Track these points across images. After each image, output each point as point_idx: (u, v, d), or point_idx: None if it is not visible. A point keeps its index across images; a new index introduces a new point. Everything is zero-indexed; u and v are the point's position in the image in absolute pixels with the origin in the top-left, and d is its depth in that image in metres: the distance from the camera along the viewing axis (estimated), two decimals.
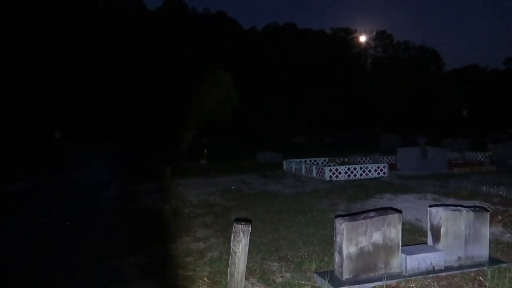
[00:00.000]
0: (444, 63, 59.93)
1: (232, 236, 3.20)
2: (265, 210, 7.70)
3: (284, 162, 14.95)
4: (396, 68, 52.88)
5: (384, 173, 12.43)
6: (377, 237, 4.04)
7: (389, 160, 15.50)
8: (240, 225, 3.16)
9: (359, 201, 8.32)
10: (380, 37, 61.66)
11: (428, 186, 9.96)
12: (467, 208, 4.55)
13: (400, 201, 8.20)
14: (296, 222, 6.66)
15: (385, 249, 4.09)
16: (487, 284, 3.99)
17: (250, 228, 3.22)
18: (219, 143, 25.47)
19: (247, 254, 3.25)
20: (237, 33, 48.98)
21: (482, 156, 15.81)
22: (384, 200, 8.40)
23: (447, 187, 9.64)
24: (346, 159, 15.87)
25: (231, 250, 3.22)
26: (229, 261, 3.26)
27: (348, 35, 59.09)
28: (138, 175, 13.18)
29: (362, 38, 60.77)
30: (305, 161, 14.74)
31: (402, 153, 13.38)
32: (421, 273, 4.16)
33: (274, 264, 4.73)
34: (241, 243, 3.15)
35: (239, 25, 51.78)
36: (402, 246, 4.25)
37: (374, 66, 60.58)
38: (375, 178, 12.03)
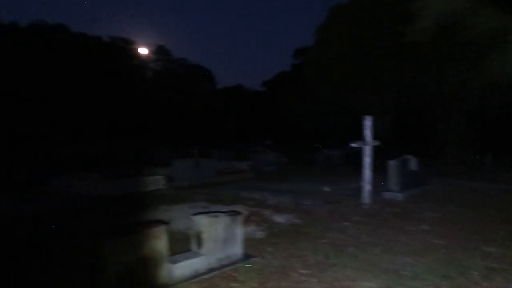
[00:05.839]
0: (217, 82, 66.37)
1: None
2: (16, 237, 6.66)
3: (53, 178, 13.33)
4: (174, 83, 55.31)
5: (161, 185, 12.71)
6: (144, 250, 4.08)
7: (166, 172, 15.95)
8: None
9: (134, 215, 8.23)
10: (160, 51, 63.17)
11: (199, 195, 10.76)
12: (224, 213, 5.15)
13: (174, 211, 8.54)
14: (60, 247, 6.01)
15: (153, 261, 4.17)
16: (240, 279, 4.62)
17: None
18: None
19: None
20: None
21: (244, 165, 18.25)
22: (159, 212, 8.57)
23: (215, 195, 10.67)
24: (124, 172, 15.43)
25: None
26: None
27: (127, 46, 58.02)
28: None
29: (143, 51, 60.89)
30: (78, 176, 13.54)
31: (177, 164, 14.04)
32: (187, 279, 4.44)
33: None
34: None
35: None
36: (172, 255, 4.45)
37: (154, 79, 61.55)
38: (153, 190, 12.16)
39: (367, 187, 8.90)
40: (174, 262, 4.42)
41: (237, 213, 5.40)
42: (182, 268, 4.45)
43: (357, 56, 21.02)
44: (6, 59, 37.12)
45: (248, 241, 5.98)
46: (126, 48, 57.33)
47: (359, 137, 9.31)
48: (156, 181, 12.68)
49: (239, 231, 5.22)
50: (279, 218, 7.69)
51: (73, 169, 14.85)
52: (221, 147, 25.92)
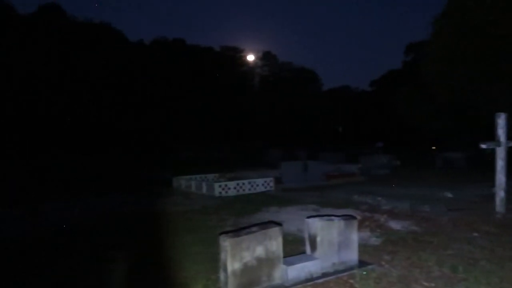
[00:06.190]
0: (322, 83, 65.82)
1: None
2: (150, 231, 7.40)
3: (174, 179, 14.63)
4: (280, 87, 56.43)
5: (270, 186, 13.00)
6: (260, 251, 4.16)
7: (275, 174, 16.25)
8: None
9: (246, 216, 8.52)
10: (266, 57, 65.15)
11: (309, 198, 10.71)
12: (339, 217, 4.99)
13: (284, 213, 8.63)
14: (183, 242, 6.51)
15: (268, 261, 4.23)
16: (356, 286, 4.41)
17: None
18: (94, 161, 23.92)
19: None
20: (123, 45, 46.88)
21: (354, 168, 17.64)
22: (270, 213, 8.74)
23: (324, 198, 10.50)
24: (235, 174, 16.19)
25: None
26: None
27: (236, 54, 61.07)
28: None
29: (250, 57, 63.52)
30: (195, 178, 14.63)
31: (286, 167, 14.20)
32: (301, 282, 4.40)
33: (158, 287, 4.54)
34: None
35: (124, 37, 49.69)
36: (284, 257, 4.46)
37: (261, 84, 63.70)
38: (262, 192, 12.50)
39: (500, 193, 7.81)
40: (289, 264, 4.42)
41: (352, 217, 5.19)
42: (297, 270, 4.42)
43: (483, 47, 18.74)
44: (135, 73, 42.08)
45: (362, 248, 5.71)
46: (235, 56, 60.43)
47: (487, 137, 8.25)
48: (266, 183, 12.99)
49: (354, 237, 5.00)
50: (395, 225, 7.20)
51: (190, 172, 16.07)
52: (329, 149, 25.51)
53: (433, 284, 4.50)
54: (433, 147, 30.16)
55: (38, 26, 37.31)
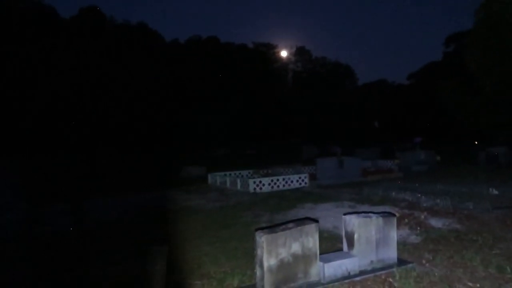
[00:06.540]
0: (357, 78, 64.50)
1: None
2: (188, 226, 7.54)
3: (209, 176, 14.85)
4: (314, 82, 55.79)
5: (305, 183, 12.90)
6: (296, 247, 4.13)
7: (309, 170, 16.14)
8: None
9: (281, 212, 8.51)
10: (300, 52, 64.59)
11: (344, 194, 10.53)
12: (376, 214, 4.87)
13: (319, 210, 8.54)
14: (219, 237, 6.60)
15: (304, 258, 4.20)
16: (395, 285, 4.29)
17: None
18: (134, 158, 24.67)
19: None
20: (159, 45, 47.99)
21: (391, 164, 17.19)
22: (305, 210, 8.67)
23: (361, 194, 10.28)
24: (270, 171, 16.21)
25: None
26: None
27: (269, 50, 60.95)
28: None
29: (283, 53, 63.17)
30: (230, 174, 14.78)
31: (321, 163, 14.04)
32: (338, 280, 4.34)
33: (196, 282, 4.61)
34: None
35: (161, 37, 50.81)
36: (320, 254, 4.40)
37: (294, 80, 63.29)
38: (297, 188, 12.43)
39: None
40: (326, 261, 4.36)
41: (390, 214, 5.05)
42: (334, 267, 4.36)
43: None
44: (167, 73, 42.97)
45: (402, 246, 5.56)
46: (268, 53, 60.31)
47: None
48: (300, 179, 12.91)
49: (393, 234, 4.86)
50: (436, 222, 6.94)
51: (225, 168, 16.23)
52: (366, 145, 24.98)
53: (478, 285, 4.31)
54: (476, 142, 28.81)
55: (80, 29, 38.91)
